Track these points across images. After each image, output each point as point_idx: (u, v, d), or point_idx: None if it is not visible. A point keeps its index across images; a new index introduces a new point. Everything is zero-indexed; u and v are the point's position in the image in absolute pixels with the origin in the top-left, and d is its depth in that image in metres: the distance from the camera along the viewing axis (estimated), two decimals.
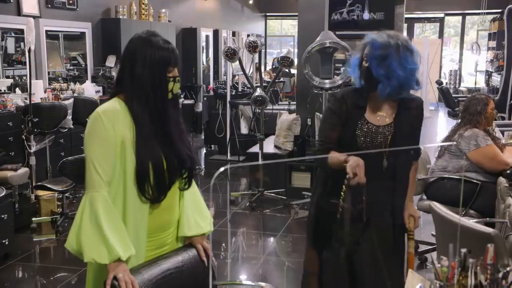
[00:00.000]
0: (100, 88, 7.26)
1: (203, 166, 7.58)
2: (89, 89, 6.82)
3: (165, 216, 2.03)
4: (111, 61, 7.55)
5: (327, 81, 5.07)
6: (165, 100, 1.95)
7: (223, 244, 4.66)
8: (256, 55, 5.67)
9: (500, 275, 1.71)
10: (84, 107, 5.94)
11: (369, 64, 2.25)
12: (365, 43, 2.30)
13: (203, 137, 8.46)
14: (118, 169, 1.90)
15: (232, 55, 5.25)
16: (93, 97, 6.30)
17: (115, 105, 1.92)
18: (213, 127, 7.77)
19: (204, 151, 8.44)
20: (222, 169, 1.24)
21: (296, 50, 6.78)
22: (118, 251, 1.81)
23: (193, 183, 2.13)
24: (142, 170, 1.90)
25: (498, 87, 10.30)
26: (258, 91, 5.28)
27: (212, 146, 8.41)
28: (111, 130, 1.87)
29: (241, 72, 9.08)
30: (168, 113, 1.97)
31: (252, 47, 5.27)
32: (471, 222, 2.45)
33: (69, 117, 5.62)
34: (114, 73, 7.67)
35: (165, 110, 1.95)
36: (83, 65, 7.54)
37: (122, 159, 1.90)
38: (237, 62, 5.53)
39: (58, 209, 4.93)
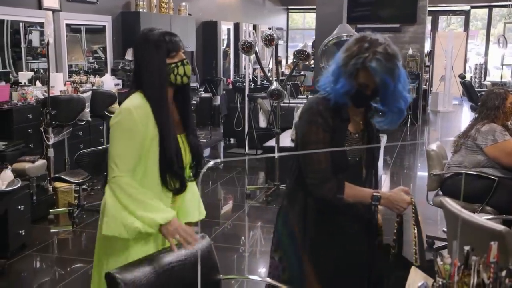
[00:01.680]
0: (120, 81, 7.32)
1: (222, 159, 7.60)
2: (108, 82, 6.89)
3: (176, 205, 2.16)
4: (130, 54, 7.60)
5: None
6: (165, 92, 2.04)
7: (242, 238, 4.67)
8: (273, 48, 5.64)
9: (504, 273, 1.67)
10: (103, 100, 6.01)
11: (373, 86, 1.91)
12: (365, 51, 1.86)
13: (222, 130, 8.48)
14: (141, 164, 1.99)
15: (248, 48, 5.24)
16: (111, 90, 6.36)
17: (144, 102, 2.00)
18: (231, 120, 7.78)
19: (222, 144, 8.47)
20: (211, 163, 1.24)
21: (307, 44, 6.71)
22: (154, 218, 1.95)
23: None
24: (167, 164, 2.02)
25: None
26: (275, 85, 5.26)
27: (231, 139, 8.44)
28: (142, 127, 1.96)
29: (265, 66, 9.07)
30: (181, 100, 2.13)
31: (268, 41, 5.25)
32: (482, 219, 2.40)
33: (87, 109, 5.68)
34: (133, 66, 7.71)
35: (167, 99, 2.05)
36: (103, 58, 7.62)
37: (147, 155, 1.99)
38: (254, 55, 5.51)
39: (75, 201, 5.00)
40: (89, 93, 5.91)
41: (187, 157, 2.13)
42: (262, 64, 5.92)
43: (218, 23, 10.29)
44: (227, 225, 4.84)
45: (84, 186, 5.10)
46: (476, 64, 14.52)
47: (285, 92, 5.27)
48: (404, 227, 2.11)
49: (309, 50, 5.10)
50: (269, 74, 8.42)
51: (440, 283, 1.76)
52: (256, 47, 5.33)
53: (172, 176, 2.04)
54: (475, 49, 16.47)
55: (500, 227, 2.28)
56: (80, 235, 4.61)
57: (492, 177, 3.62)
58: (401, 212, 2.05)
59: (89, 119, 5.83)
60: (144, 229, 1.94)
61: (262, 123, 7.76)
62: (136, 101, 2.00)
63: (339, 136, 1.99)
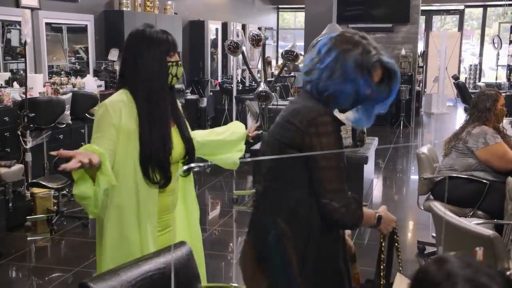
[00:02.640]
0: (102, 83, 7.30)
1: (208, 163, 7.57)
2: (90, 84, 6.85)
3: (169, 198, 2.25)
4: (113, 54, 7.57)
5: None
6: (166, 87, 2.16)
7: (230, 244, 4.66)
8: (260, 49, 5.65)
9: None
10: (84, 102, 5.98)
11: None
12: (372, 49, 1.78)
13: None
14: (128, 158, 2.10)
15: (235, 48, 5.24)
16: (93, 92, 6.32)
17: (122, 96, 2.12)
18: (219, 122, 7.77)
19: None
20: (185, 167, 1.23)
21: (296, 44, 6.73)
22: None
23: None
24: (146, 159, 2.11)
25: None
26: (262, 86, 5.27)
27: None
28: (117, 120, 2.07)
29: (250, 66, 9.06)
30: (169, 99, 2.19)
31: (255, 41, 5.25)
32: (470, 224, 2.41)
33: (67, 112, 5.65)
34: (117, 67, 7.71)
35: (166, 97, 2.16)
36: (85, 59, 7.59)
37: (130, 149, 2.10)
38: (241, 56, 5.51)
39: (54, 207, 4.96)
40: (70, 95, 5.87)
41: (178, 151, 2.21)
42: (251, 65, 5.95)
43: (205, 23, 10.28)
44: (214, 231, 4.83)
45: (64, 192, 5.07)
46: (471, 65, 14.64)
47: (274, 93, 5.27)
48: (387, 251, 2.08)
49: (298, 50, 5.11)
50: (258, 75, 8.42)
51: None
52: (244, 47, 5.33)
53: (153, 170, 2.13)
54: (470, 49, 16.59)
55: (488, 232, 2.30)
56: (59, 243, 4.57)
57: (484, 181, 3.64)
58: (387, 233, 2.01)
59: (70, 122, 5.79)
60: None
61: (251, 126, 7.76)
62: (114, 97, 2.13)
63: (340, 141, 1.85)
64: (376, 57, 1.76)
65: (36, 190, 4.92)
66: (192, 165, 1.67)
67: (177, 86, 7.03)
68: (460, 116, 12.20)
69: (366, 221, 1.88)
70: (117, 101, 2.10)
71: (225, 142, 2.56)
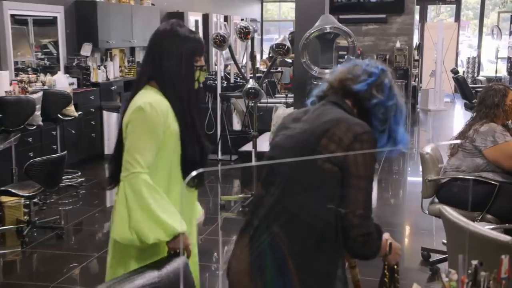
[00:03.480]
0: (75, 80, 7.22)
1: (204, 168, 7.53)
2: (62, 81, 6.78)
3: (192, 200, 2.42)
4: (86, 49, 7.50)
5: (327, 70, 5.03)
6: (192, 89, 2.24)
7: (215, 254, 4.63)
8: (249, 42, 5.63)
9: None
10: (55, 102, 5.91)
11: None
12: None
13: None
14: (164, 158, 2.18)
15: (221, 42, 5.21)
16: (65, 90, 6.25)
17: (159, 96, 2.17)
18: (202, 122, 7.73)
19: None
20: (194, 173, 1.21)
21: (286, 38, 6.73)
22: (175, 226, 2.08)
23: None
24: (190, 160, 2.21)
25: None
26: (251, 83, 5.25)
27: None
28: (161, 122, 2.13)
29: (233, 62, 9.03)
30: (196, 103, 2.28)
31: (244, 34, 5.23)
32: (485, 229, 2.41)
33: (38, 112, 5.57)
34: (90, 63, 7.64)
35: (193, 99, 2.25)
36: (55, 54, 7.49)
37: (169, 148, 2.18)
38: (227, 50, 5.48)
39: (25, 217, 4.88)
40: (40, 93, 5.80)
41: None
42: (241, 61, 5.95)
43: (185, 14, 10.24)
44: (198, 240, 4.79)
45: (35, 200, 5.00)
46: (469, 58, 14.77)
47: (262, 91, 5.25)
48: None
49: (288, 43, 5.10)
50: (243, 71, 8.40)
51: None
52: (230, 41, 5.31)
53: (191, 171, 2.17)
54: (466, 41, 16.76)
55: (507, 237, 2.30)
56: (30, 256, 4.50)
57: (493, 182, 3.66)
58: (395, 263, 2.02)
59: (41, 123, 5.73)
60: (157, 237, 2.08)
61: (237, 126, 7.74)
62: (154, 96, 2.17)
63: None
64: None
65: (4, 198, 4.84)
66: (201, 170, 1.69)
67: None
68: (458, 113, 12.33)
69: (381, 251, 1.90)
70: (160, 100, 2.15)
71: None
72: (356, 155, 1.76)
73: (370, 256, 1.83)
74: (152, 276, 1.98)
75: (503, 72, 13.46)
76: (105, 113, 7.55)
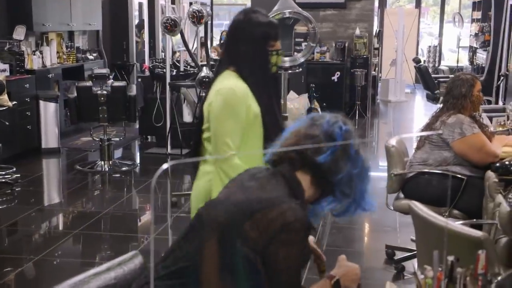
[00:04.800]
0: (7, 66, 7.03)
1: (137, 162, 7.49)
2: None
3: None
4: (19, 32, 7.31)
5: (286, 58, 5.06)
6: (269, 73, 2.51)
7: (162, 255, 4.60)
8: (202, 28, 5.61)
9: (493, 286, 1.76)
10: None
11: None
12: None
13: (137, 126, 8.35)
14: (248, 140, 2.45)
15: (172, 27, 5.18)
16: None
17: (240, 81, 2.46)
18: (149, 114, 7.66)
19: (138, 143, 8.33)
20: (165, 166, 1.21)
21: None
22: None
23: None
24: (271, 142, 2.28)
25: (483, 65, 10.65)
26: (205, 71, 5.24)
27: (149, 137, 8.32)
28: (242, 103, 2.41)
29: (183, 48, 8.97)
30: (273, 86, 2.60)
31: (197, 18, 5.21)
32: (457, 225, 2.50)
33: None
34: (24, 47, 7.45)
35: (271, 83, 2.56)
36: None
37: (252, 131, 2.46)
38: (179, 35, 5.46)
39: None
40: None
41: None
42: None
43: None
44: (145, 240, 4.77)
45: None
46: (430, 47, 15.11)
47: None
48: None
49: None
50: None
51: None
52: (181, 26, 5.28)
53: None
54: (426, 29, 17.18)
55: (479, 233, 2.39)
56: None
57: (460, 176, 3.78)
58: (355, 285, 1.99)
59: None
60: None
61: (187, 117, 7.72)
62: (233, 80, 2.45)
63: None
64: None
65: None
66: None
67: (102, 71, 6.89)
68: (418, 104, 12.65)
69: None
70: (241, 84, 2.44)
71: None
72: (279, 247, 1.68)
73: None
74: (108, 278, 2.02)
75: (464, 62, 13.84)
76: (41, 103, 7.37)
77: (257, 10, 2.55)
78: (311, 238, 2.09)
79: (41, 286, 4.02)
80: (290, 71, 5.13)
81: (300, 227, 1.70)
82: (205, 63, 5.52)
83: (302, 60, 5.13)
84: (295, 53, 5.33)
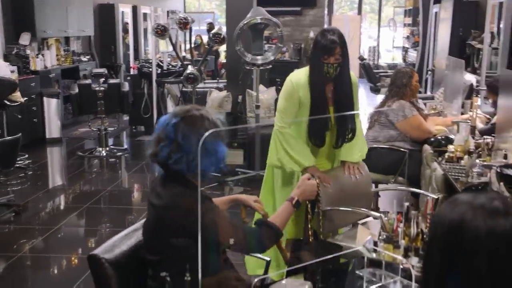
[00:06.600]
0: (15, 68, 7.03)
1: (129, 148, 7.57)
2: (3, 69, 6.58)
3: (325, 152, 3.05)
4: (25, 38, 7.32)
5: (259, 57, 5.27)
6: (320, 78, 2.78)
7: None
8: (176, 33, 5.75)
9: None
10: (1, 88, 5.78)
11: None
12: None
13: (127, 118, 8.42)
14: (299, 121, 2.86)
15: (162, 32, 5.32)
16: (11, 77, 6.12)
17: (303, 73, 2.87)
18: (138, 107, 7.76)
19: (128, 132, 8.40)
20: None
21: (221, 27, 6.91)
22: (302, 162, 2.83)
23: None
24: (314, 127, 2.86)
25: (414, 62, 11.05)
26: (190, 68, 5.40)
27: (138, 127, 8.40)
28: (294, 90, 2.84)
29: (165, 51, 9.10)
30: (322, 87, 2.84)
31: (183, 24, 5.36)
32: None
33: None
34: (29, 51, 7.45)
35: (321, 83, 2.82)
36: None
37: (301, 115, 2.86)
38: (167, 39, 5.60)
39: None
40: None
41: (331, 125, 2.89)
42: (166, 49, 6.01)
43: (115, 6, 10.12)
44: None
45: None
46: (370, 47, 15.52)
47: (202, 76, 5.42)
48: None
49: (224, 33, 5.30)
50: (169, 60, 8.51)
51: (385, 236, 2.08)
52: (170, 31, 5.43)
53: (312, 135, 2.88)
54: (365, 33, 17.57)
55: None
56: None
57: (403, 150, 4.07)
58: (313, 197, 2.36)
59: None
60: (290, 166, 2.85)
61: (171, 109, 7.83)
62: (298, 73, 2.91)
63: None
64: None
65: None
66: None
67: (100, 71, 6.96)
68: (361, 95, 12.95)
69: (285, 218, 2.11)
70: (301, 76, 2.85)
71: None
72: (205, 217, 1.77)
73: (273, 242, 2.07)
74: (135, 236, 2.02)
75: (398, 60, 14.26)
76: (45, 99, 7.41)
77: (331, 29, 2.84)
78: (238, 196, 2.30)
79: (62, 251, 4.13)
80: (261, 68, 5.35)
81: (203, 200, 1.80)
82: (190, 62, 5.67)
83: (272, 58, 5.34)
84: (266, 52, 5.51)
